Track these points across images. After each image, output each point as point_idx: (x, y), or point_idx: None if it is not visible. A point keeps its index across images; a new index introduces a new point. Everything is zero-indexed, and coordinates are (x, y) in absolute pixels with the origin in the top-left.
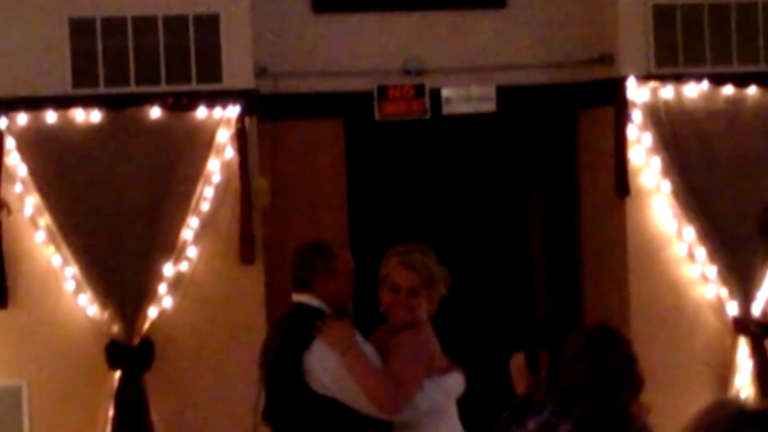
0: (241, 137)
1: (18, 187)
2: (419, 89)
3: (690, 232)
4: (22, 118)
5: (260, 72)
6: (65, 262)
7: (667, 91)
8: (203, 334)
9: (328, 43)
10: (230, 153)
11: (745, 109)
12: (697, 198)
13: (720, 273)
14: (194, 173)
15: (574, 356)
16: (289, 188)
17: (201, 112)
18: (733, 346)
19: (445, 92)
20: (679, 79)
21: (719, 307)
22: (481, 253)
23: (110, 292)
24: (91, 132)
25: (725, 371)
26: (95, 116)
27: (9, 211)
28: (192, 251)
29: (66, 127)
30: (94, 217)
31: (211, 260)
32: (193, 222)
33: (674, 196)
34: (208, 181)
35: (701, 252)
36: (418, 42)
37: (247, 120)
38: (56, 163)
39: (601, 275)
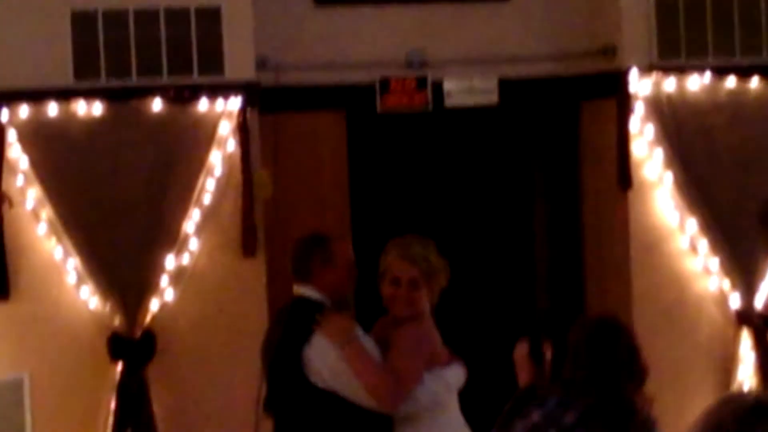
0: (242, 130)
1: (20, 180)
2: (421, 82)
3: (692, 225)
4: (24, 111)
5: (262, 64)
6: (67, 255)
7: (669, 83)
8: (205, 326)
9: (330, 35)
10: (232, 145)
11: (748, 101)
12: (700, 190)
13: (722, 265)
14: (196, 165)
15: (579, 347)
16: (290, 180)
17: (203, 105)
18: (736, 338)
19: (447, 85)
20: (681, 71)
21: (722, 299)
22: (484, 246)
23: (112, 284)
24: (93, 124)
25: (728, 363)
26: (97, 108)
27: (11, 204)
28: (194, 243)
29: (68, 119)
30: (96, 210)
31: (213, 252)
32: (194, 214)
33: (677, 188)
34: (209, 174)
35: (704, 244)
36: (420, 34)
37: (248, 112)
38: (58, 156)
39: (603, 267)
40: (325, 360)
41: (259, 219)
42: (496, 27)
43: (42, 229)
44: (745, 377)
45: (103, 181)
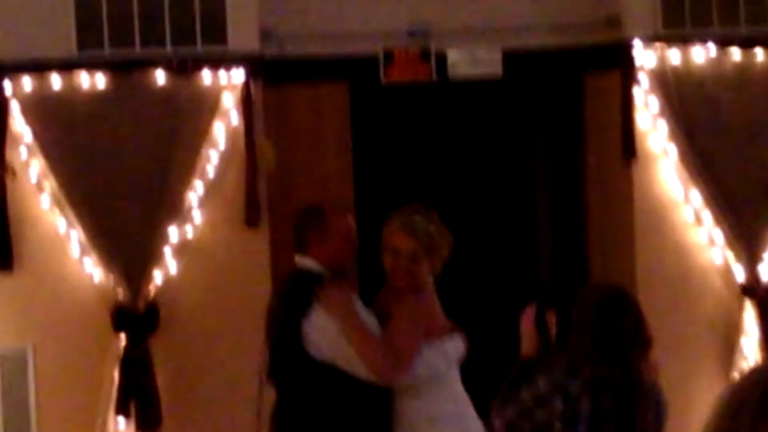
0: (246, 101)
1: (23, 152)
2: (425, 54)
3: (696, 196)
4: (27, 82)
5: (265, 36)
6: (70, 227)
7: (673, 54)
8: (208, 298)
9: (334, 6)
10: (235, 117)
11: (753, 72)
12: (704, 162)
13: (727, 237)
14: (199, 137)
15: (584, 316)
16: (294, 152)
17: (206, 76)
18: (740, 310)
19: (451, 56)
20: (685, 41)
21: (726, 271)
22: (487, 217)
23: (115, 256)
24: (96, 96)
25: (732, 335)
26: (100, 80)
27: (14, 176)
28: (197, 215)
29: (70, 90)
30: (99, 182)
31: (217, 224)
32: (198, 186)
33: (681, 160)
34: (213, 145)
35: (708, 216)
36: (423, 5)
37: (252, 84)
38: (61, 128)
39: (607, 239)
40: (324, 333)
41: (262, 191)
42: None
43: (45, 201)
44: (749, 349)
45: (107, 152)
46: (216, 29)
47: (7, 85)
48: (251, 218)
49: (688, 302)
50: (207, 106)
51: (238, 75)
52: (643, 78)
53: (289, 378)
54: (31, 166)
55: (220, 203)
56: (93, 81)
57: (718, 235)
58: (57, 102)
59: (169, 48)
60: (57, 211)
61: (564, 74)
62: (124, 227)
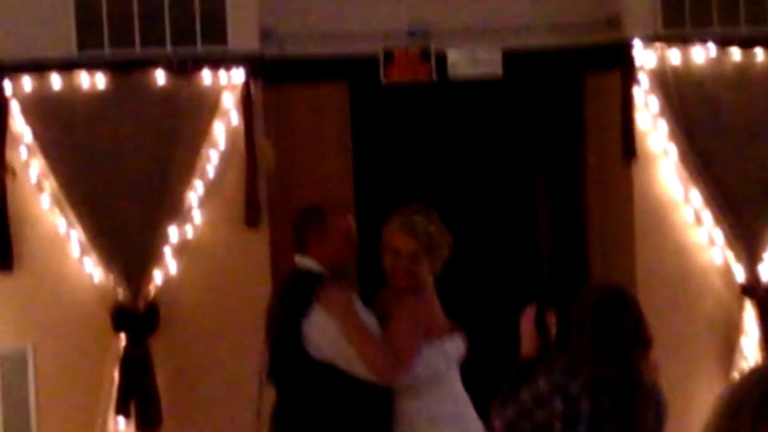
0: (246, 101)
1: (23, 152)
2: (425, 54)
3: (696, 196)
4: (27, 82)
5: (265, 36)
6: (70, 227)
7: (673, 54)
8: (208, 298)
9: (334, 6)
10: (235, 117)
11: (753, 72)
12: (704, 162)
13: (727, 237)
14: (199, 137)
15: (584, 316)
16: (294, 152)
17: (206, 76)
18: (740, 310)
19: (451, 56)
20: (685, 41)
21: (726, 271)
22: (487, 217)
23: (115, 256)
24: (96, 96)
25: (732, 335)
26: (100, 80)
27: (14, 176)
28: (197, 215)
29: (71, 90)
30: (99, 181)
31: (217, 224)
32: (198, 186)
33: (681, 160)
34: (213, 145)
35: (708, 216)
36: (423, 5)
37: (252, 84)
38: (61, 127)
39: (607, 239)
40: (324, 333)
41: (262, 191)
42: None
43: (45, 201)
44: (749, 349)
45: (106, 152)
46: (216, 29)
47: (7, 85)
48: (251, 218)
49: (688, 302)
50: (207, 106)
51: (238, 75)
52: (643, 78)
53: (289, 378)
54: (31, 166)
55: (220, 203)
56: (93, 81)
57: (718, 235)
58: (57, 102)
59: (169, 48)
60: (57, 211)
61: (564, 74)
62: (124, 227)
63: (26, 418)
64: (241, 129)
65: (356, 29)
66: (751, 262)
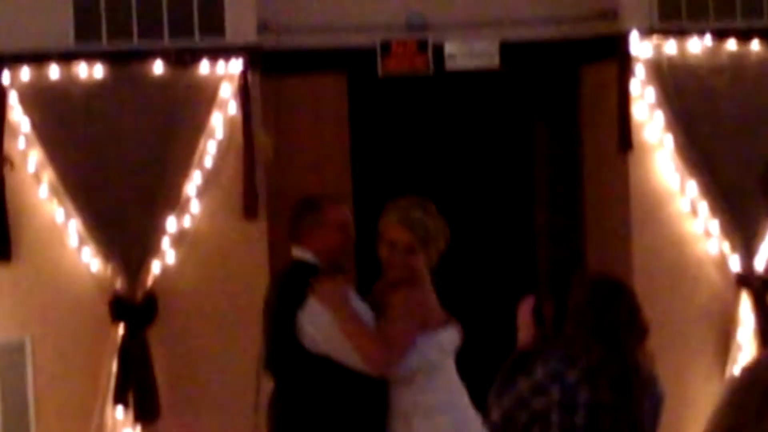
0: (243, 92)
1: (21, 142)
2: (422, 45)
3: (692, 187)
4: (25, 73)
5: (263, 27)
6: (68, 217)
7: (670, 46)
8: (206, 288)
9: None
10: (233, 108)
11: (749, 64)
12: (700, 153)
13: (723, 227)
14: (197, 128)
15: (580, 306)
16: (292, 143)
17: (204, 68)
18: (736, 301)
19: (449, 48)
20: (682, 33)
21: (722, 261)
22: (484, 208)
23: (113, 246)
24: (94, 86)
25: (727, 325)
26: (98, 71)
27: (12, 166)
28: (195, 206)
29: (69, 81)
30: (97, 172)
31: (214, 215)
32: (196, 177)
33: (677, 150)
34: (210, 136)
35: (704, 206)
36: None
37: (249, 75)
38: (59, 118)
39: (604, 230)
40: (318, 325)
41: (260, 181)
42: None
43: (43, 191)
44: (745, 339)
45: (105, 143)
46: (214, 20)
47: (6, 75)
48: (249, 208)
49: (684, 293)
50: (205, 97)
51: (235, 66)
52: (639, 69)
53: (285, 369)
54: (30, 156)
55: (218, 194)
56: (91, 72)
57: (714, 225)
58: (55, 92)
59: (167, 39)
60: (55, 201)
61: (561, 66)
62: (123, 217)
63: (24, 408)
64: (239, 120)
65: (354, 21)
66: (746, 252)
